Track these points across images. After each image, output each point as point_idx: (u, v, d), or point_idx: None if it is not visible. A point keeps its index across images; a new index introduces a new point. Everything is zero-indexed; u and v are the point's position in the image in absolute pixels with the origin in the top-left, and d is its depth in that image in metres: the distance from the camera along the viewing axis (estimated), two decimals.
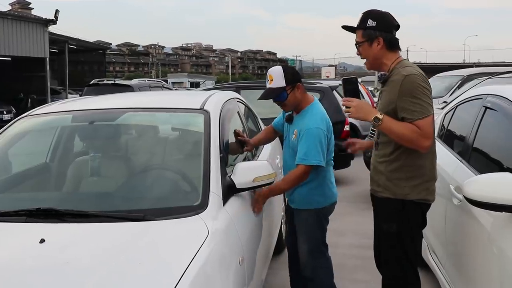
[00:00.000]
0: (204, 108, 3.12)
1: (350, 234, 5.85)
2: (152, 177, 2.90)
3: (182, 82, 47.70)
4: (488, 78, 6.79)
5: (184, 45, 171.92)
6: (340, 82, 12.71)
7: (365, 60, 2.89)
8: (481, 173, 2.99)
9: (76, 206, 2.49)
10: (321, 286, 3.46)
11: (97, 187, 2.92)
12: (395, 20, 2.85)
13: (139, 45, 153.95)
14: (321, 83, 9.26)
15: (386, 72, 2.81)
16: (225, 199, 2.61)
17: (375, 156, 2.95)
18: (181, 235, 2.23)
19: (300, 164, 3.18)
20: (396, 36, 2.84)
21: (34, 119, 3.34)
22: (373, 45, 2.79)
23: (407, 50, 65.29)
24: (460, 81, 10.64)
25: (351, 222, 6.30)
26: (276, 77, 3.25)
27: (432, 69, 20.82)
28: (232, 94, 4.09)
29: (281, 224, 4.67)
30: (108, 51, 63.75)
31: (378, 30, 2.77)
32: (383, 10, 2.86)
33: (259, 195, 3.10)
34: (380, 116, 2.64)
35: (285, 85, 3.23)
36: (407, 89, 2.62)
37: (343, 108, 2.78)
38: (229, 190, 2.70)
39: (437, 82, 11.07)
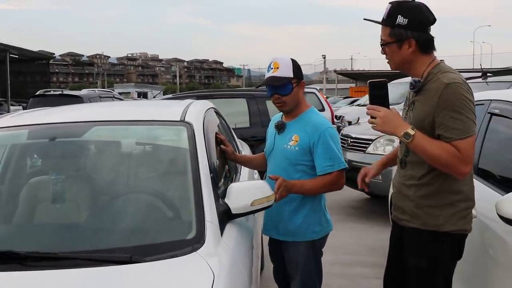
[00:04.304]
0: (185, 119, 2.69)
1: (328, 250, 5.45)
2: (133, 204, 2.42)
3: (130, 92, 46.70)
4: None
5: (129, 55, 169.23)
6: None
7: (388, 60, 2.40)
8: (493, 186, 2.77)
9: (41, 246, 2.00)
10: None
11: (66, 219, 2.40)
12: (431, 12, 2.31)
13: (83, 55, 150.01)
14: None
15: (420, 79, 2.32)
16: (222, 228, 2.18)
17: (401, 177, 2.47)
18: (181, 282, 1.79)
19: (333, 171, 2.76)
20: (431, 34, 2.33)
21: None
22: (403, 48, 2.30)
23: None
24: None
25: None
26: (283, 65, 2.80)
27: None
28: (208, 103, 3.66)
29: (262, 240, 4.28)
30: (51, 61, 61.75)
31: (410, 30, 2.26)
32: (417, 0, 2.34)
33: (280, 185, 2.64)
34: (412, 132, 2.17)
35: (292, 76, 2.79)
36: (448, 100, 2.17)
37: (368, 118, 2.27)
38: (224, 216, 2.27)
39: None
